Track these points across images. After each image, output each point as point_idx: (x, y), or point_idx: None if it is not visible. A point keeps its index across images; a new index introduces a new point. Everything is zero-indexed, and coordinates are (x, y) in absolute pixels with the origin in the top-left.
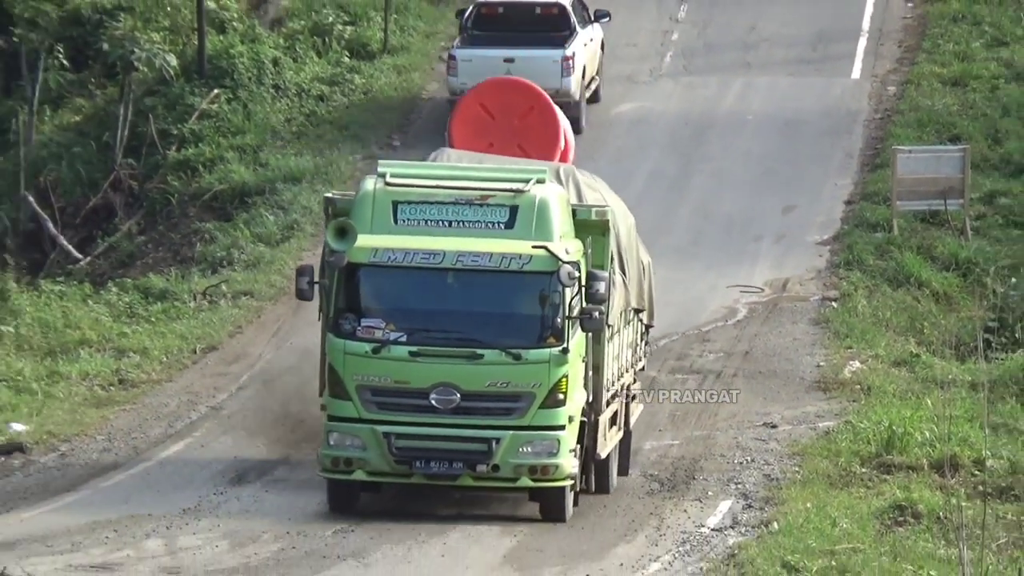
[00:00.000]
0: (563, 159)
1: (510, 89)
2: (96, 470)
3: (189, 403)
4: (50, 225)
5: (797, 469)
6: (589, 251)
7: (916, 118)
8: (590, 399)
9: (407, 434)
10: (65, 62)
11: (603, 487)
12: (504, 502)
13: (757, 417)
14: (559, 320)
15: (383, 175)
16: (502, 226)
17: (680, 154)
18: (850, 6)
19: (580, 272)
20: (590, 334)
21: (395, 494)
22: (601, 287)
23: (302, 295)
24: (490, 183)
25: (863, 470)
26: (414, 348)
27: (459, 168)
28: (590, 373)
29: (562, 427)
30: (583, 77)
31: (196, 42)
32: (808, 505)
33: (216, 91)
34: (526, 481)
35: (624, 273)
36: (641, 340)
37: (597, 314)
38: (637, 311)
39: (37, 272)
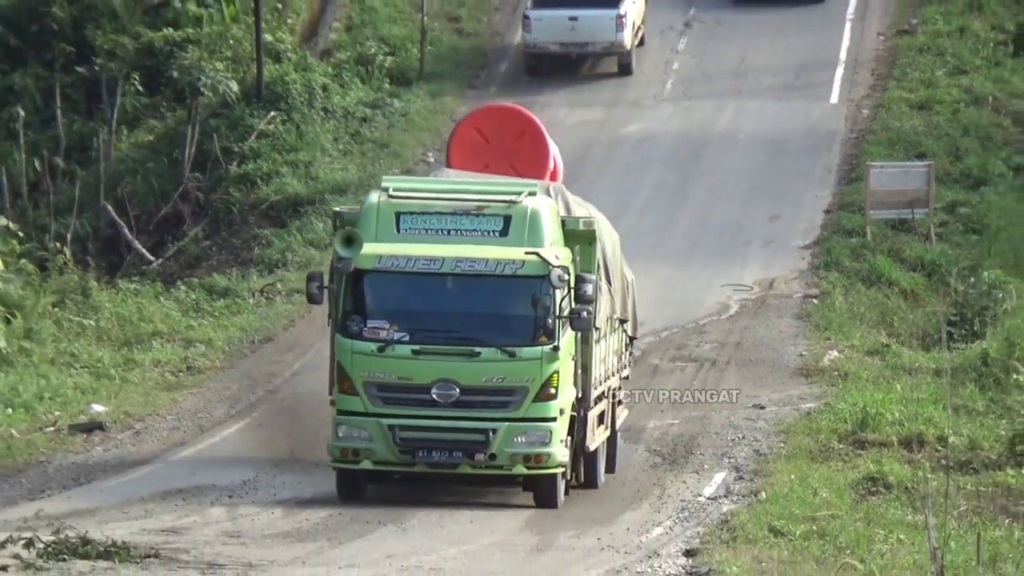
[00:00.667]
0: (553, 179)
1: (503, 115)
2: (166, 446)
3: (248, 387)
4: (126, 231)
5: (782, 445)
6: (577, 259)
7: (887, 137)
8: (579, 395)
9: (410, 426)
10: (140, 88)
11: (591, 481)
12: (500, 493)
13: (747, 399)
14: (550, 320)
15: (386, 189)
16: (497, 234)
17: (679, 169)
18: (828, 39)
19: (569, 275)
20: (579, 336)
21: (398, 484)
22: (589, 288)
23: (312, 299)
24: (485, 195)
25: (840, 446)
26: (416, 347)
27: (457, 182)
28: (579, 371)
29: (554, 419)
30: (632, 30)
31: (255, 70)
32: (792, 477)
33: (272, 113)
34: (520, 469)
35: (610, 283)
36: (625, 350)
37: (585, 314)
38: (622, 321)
39: (115, 272)
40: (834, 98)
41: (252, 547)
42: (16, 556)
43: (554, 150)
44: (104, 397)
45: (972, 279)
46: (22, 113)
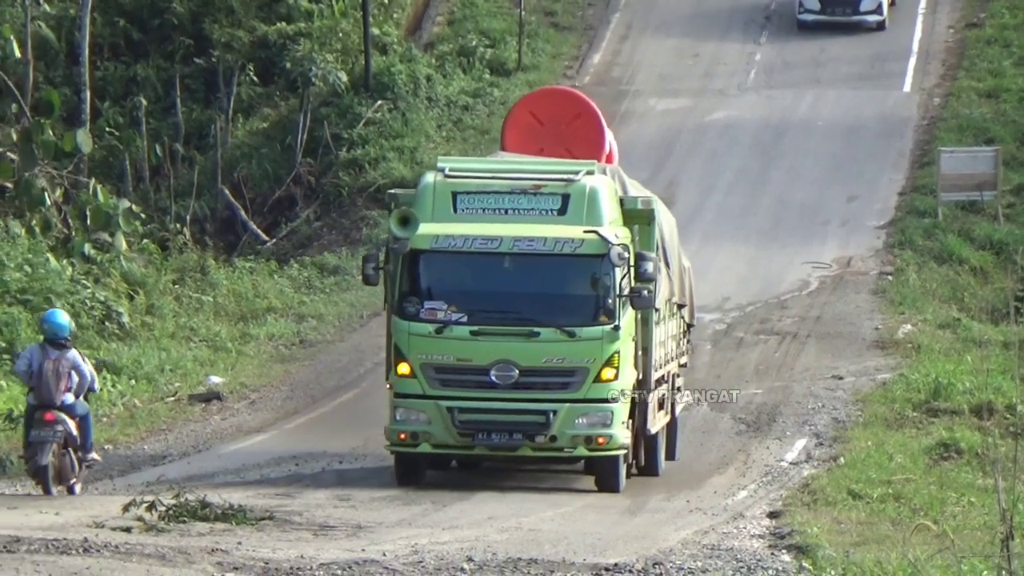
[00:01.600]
0: (608, 163)
1: (559, 98)
2: (280, 415)
3: (357, 360)
4: (242, 213)
5: (859, 413)
6: (636, 239)
7: (957, 124)
8: (640, 377)
9: (469, 408)
10: (255, 78)
11: (652, 468)
12: (559, 477)
13: (826, 370)
14: (610, 299)
15: (442, 169)
16: (555, 213)
17: (762, 154)
18: (901, 32)
19: (629, 254)
20: (639, 316)
21: (456, 471)
22: (649, 267)
23: (368, 280)
24: (542, 174)
25: (914, 414)
26: (474, 328)
27: (513, 161)
28: (639, 353)
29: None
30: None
31: (363, 62)
32: (869, 443)
33: (379, 102)
34: (582, 450)
35: (668, 266)
36: (683, 337)
37: (646, 292)
38: (679, 306)
39: (231, 251)
40: (907, 87)
41: (361, 510)
42: (139, 518)
43: (609, 135)
44: (221, 369)
45: None
46: (144, 102)
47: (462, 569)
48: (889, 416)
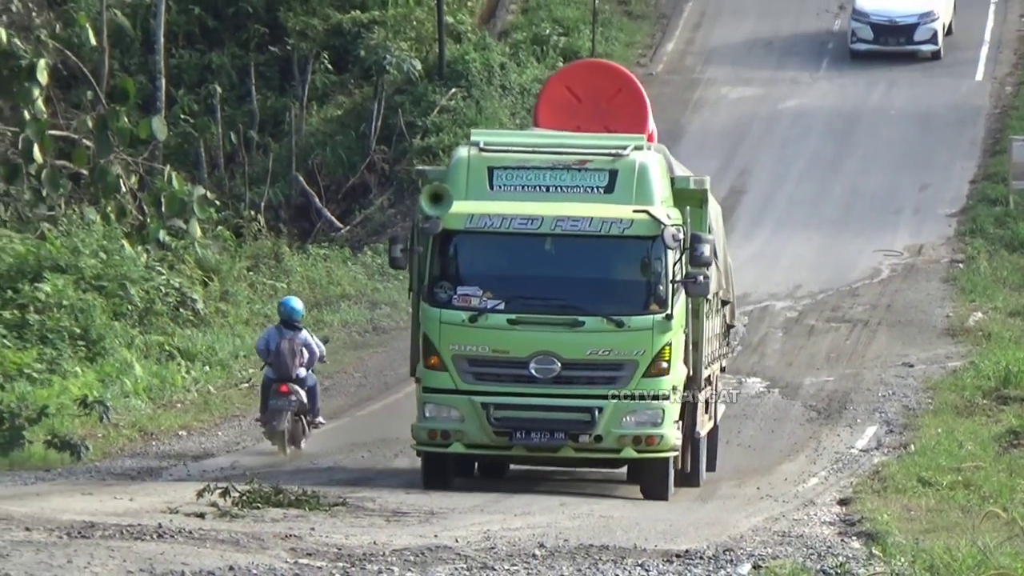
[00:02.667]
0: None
1: (598, 71)
2: (354, 401)
3: None
4: (316, 200)
5: (930, 401)
6: (687, 221)
7: None
8: (690, 374)
9: (507, 404)
10: (329, 66)
11: (694, 477)
12: (597, 483)
13: (897, 358)
14: (662, 286)
15: (477, 143)
16: (601, 190)
17: (834, 142)
18: (973, 20)
19: (684, 235)
20: (690, 307)
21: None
22: (706, 249)
23: (395, 263)
24: (587, 149)
25: (984, 402)
26: (512, 316)
27: (555, 135)
28: (690, 347)
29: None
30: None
31: (437, 50)
32: (939, 430)
33: (453, 90)
34: (630, 452)
35: (715, 256)
36: (724, 338)
37: (702, 278)
38: (724, 303)
39: (306, 238)
40: (979, 76)
41: (433, 495)
42: (213, 504)
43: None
44: None
45: None
46: (219, 90)
47: (533, 555)
48: (959, 404)
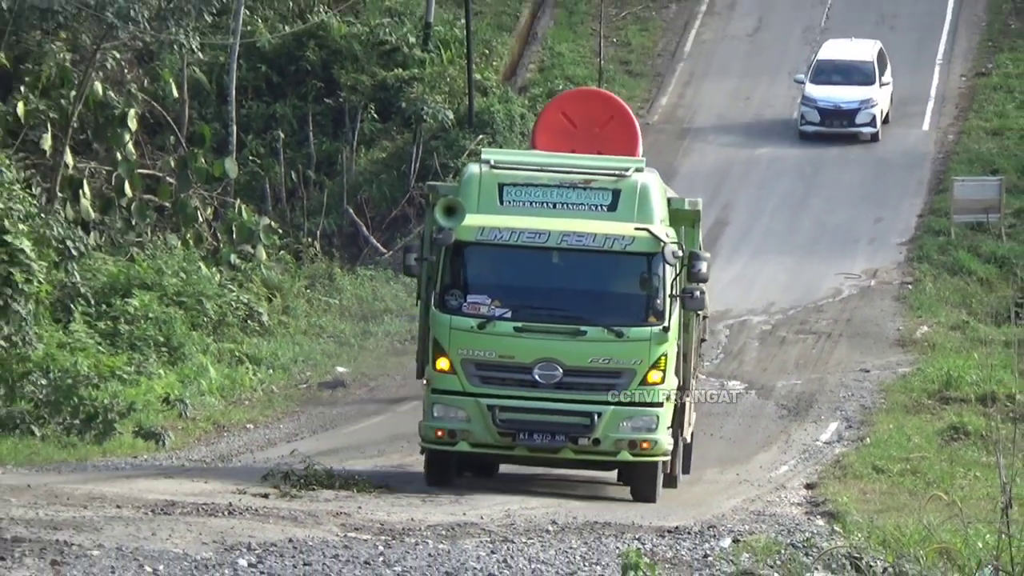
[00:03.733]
0: None
1: (592, 99)
2: (395, 399)
3: None
4: (364, 229)
5: (883, 401)
6: (682, 241)
7: (967, 157)
8: (680, 384)
9: (511, 407)
10: (375, 116)
11: (672, 481)
12: (588, 484)
13: (855, 364)
14: (660, 300)
15: (488, 160)
16: (605, 208)
17: (803, 182)
18: (921, 79)
19: (683, 252)
20: (682, 321)
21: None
22: (703, 267)
23: (409, 271)
24: (591, 169)
25: (929, 402)
26: (519, 324)
27: (560, 156)
28: (680, 359)
29: (660, 404)
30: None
31: (467, 102)
32: (891, 426)
33: (480, 136)
34: (626, 455)
35: None
36: (698, 349)
37: (699, 293)
38: (704, 317)
39: (354, 262)
40: (926, 126)
41: (460, 481)
42: (276, 486)
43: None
44: (346, 361)
45: None
46: (282, 136)
47: (547, 530)
48: (908, 403)
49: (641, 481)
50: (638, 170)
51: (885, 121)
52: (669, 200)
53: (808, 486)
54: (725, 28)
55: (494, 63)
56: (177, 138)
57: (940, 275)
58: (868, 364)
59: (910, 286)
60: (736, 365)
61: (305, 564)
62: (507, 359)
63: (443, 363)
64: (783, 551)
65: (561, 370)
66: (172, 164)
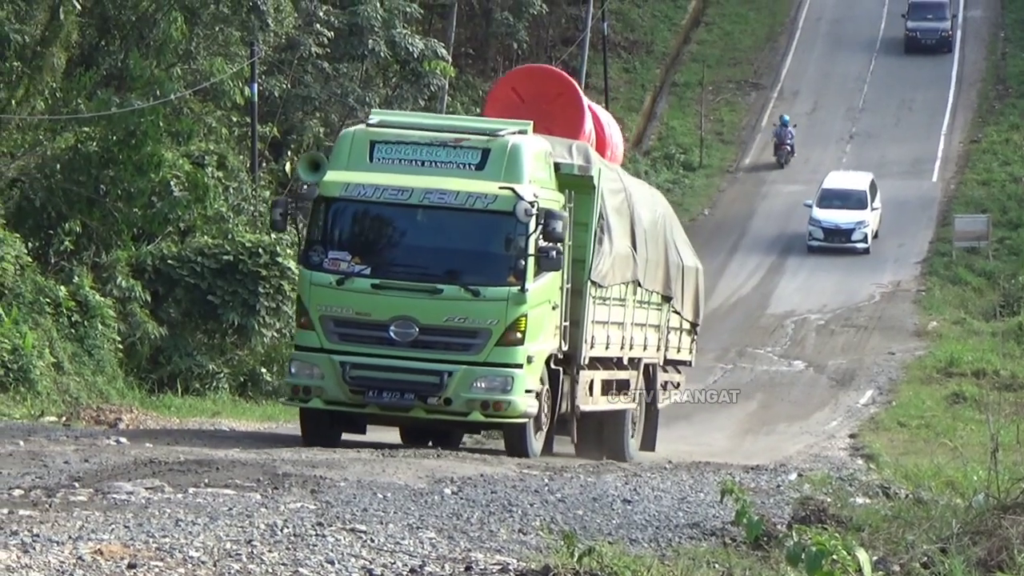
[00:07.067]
0: (600, 149)
1: (541, 76)
2: None
3: None
4: None
5: (904, 375)
6: (570, 205)
7: (964, 201)
8: (565, 350)
9: (362, 364)
10: None
11: (618, 454)
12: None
13: (885, 349)
14: (521, 260)
15: (370, 121)
16: (473, 168)
17: None
18: (930, 145)
19: (535, 210)
20: (567, 286)
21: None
22: (558, 226)
23: (275, 226)
24: (466, 129)
25: (937, 376)
26: (376, 281)
27: (444, 118)
28: (565, 324)
29: (519, 365)
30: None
31: None
32: (910, 393)
33: None
34: (478, 416)
35: (634, 248)
36: (679, 332)
37: (554, 253)
38: (666, 298)
39: None
40: (934, 178)
41: None
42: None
43: (606, 118)
44: None
45: (1013, 280)
46: None
47: (664, 468)
48: (922, 377)
49: (510, 438)
50: (520, 132)
51: (875, 236)
52: (558, 165)
53: (851, 436)
54: (790, 108)
55: (626, 135)
56: None
57: (945, 285)
58: (894, 348)
59: (923, 293)
60: (799, 349)
61: (492, 492)
62: (364, 316)
63: (304, 319)
64: (833, 483)
65: (417, 328)
66: None
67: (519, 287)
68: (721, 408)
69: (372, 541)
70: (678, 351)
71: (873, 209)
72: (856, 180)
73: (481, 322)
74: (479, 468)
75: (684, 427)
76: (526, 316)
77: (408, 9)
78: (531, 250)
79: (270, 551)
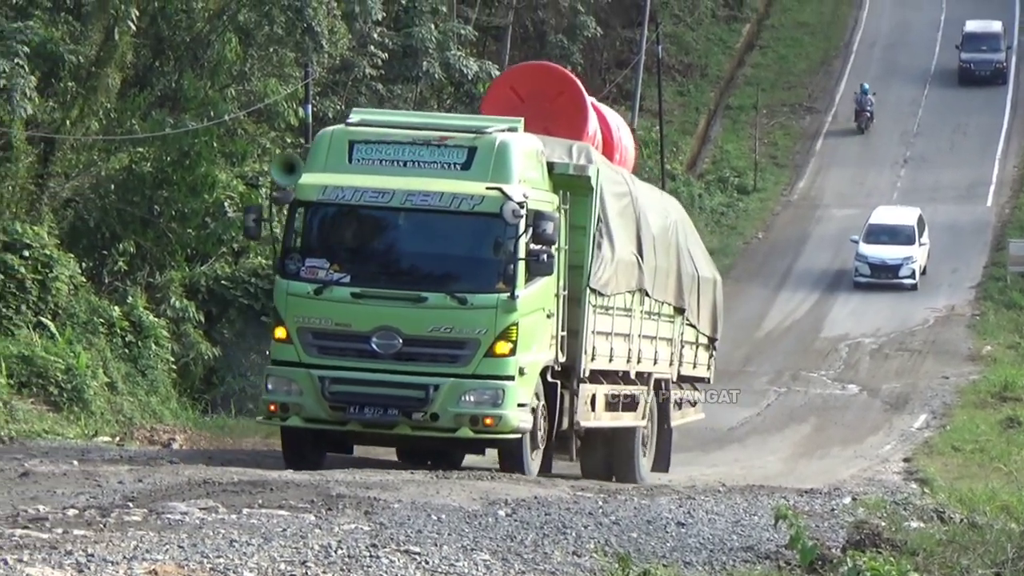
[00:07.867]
0: (607, 152)
1: (542, 73)
2: None
3: None
4: None
5: (959, 399)
6: (566, 207)
7: (1019, 225)
8: (562, 361)
9: (342, 379)
10: None
11: (627, 476)
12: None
13: (939, 373)
14: (510, 265)
15: (350, 120)
16: (458, 167)
17: None
18: (985, 169)
19: (524, 211)
20: (564, 294)
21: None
22: (548, 227)
23: (248, 233)
24: (451, 127)
25: (992, 400)
26: (356, 290)
27: (428, 115)
28: (563, 334)
29: (510, 377)
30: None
31: (660, 186)
32: (965, 417)
33: None
34: (466, 432)
35: (641, 256)
36: (694, 347)
37: (546, 257)
38: (678, 310)
39: None
40: (988, 203)
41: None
42: None
43: (615, 120)
44: None
45: None
46: None
47: (718, 491)
48: (976, 401)
49: (504, 454)
50: (511, 130)
51: (923, 273)
52: (552, 164)
53: (905, 460)
54: (843, 134)
55: (680, 158)
56: None
57: (999, 309)
58: (948, 373)
59: (978, 317)
60: (853, 373)
61: (546, 514)
62: (343, 327)
63: (280, 332)
64: (888, 507)
65: (400, 339)
66: None
67: (509, 294)
68: (774, 431)
69: (426, 563)
70: (694, 367)
71: (921, 244)
72: (903, 215)
73: (469, 332)
74: (533, 490)
75: (737, 450)
76: (517, 325)
77: (462, 31)
78: (521, 254)
79: (324, 572)
